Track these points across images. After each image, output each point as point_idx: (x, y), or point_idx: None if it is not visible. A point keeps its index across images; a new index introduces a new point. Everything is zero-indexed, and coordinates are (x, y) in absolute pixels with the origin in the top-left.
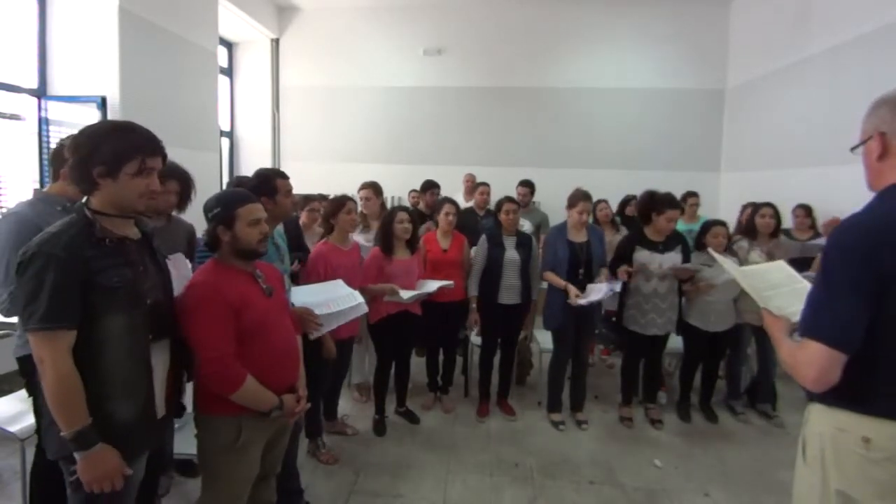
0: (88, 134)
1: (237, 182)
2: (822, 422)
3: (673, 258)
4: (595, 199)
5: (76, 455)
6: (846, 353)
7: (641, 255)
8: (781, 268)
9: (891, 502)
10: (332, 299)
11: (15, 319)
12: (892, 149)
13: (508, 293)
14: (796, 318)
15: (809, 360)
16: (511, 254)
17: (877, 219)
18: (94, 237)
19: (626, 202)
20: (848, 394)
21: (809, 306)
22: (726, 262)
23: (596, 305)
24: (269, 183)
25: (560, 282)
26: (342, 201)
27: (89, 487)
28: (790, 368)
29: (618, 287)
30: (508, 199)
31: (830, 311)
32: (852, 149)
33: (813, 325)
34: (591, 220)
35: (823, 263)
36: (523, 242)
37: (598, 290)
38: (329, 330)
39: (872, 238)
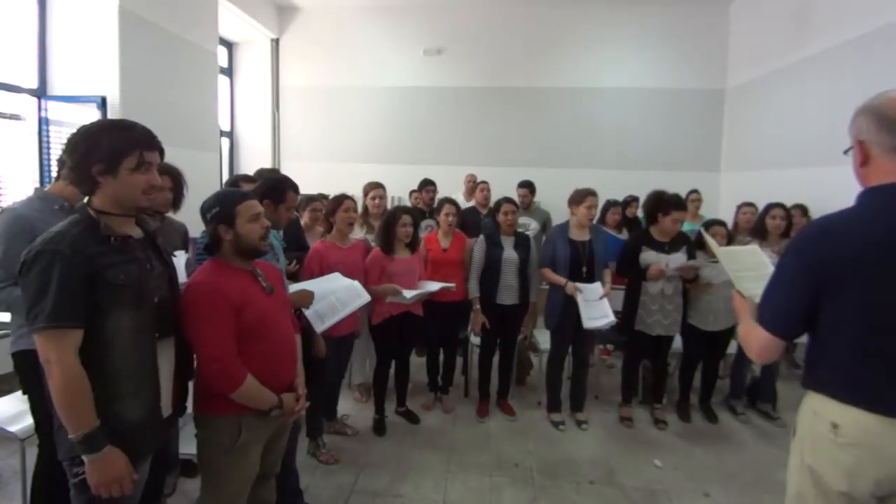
0: (84, 133)
1: (234, 181)
2: (805, 402)
3: (678, 259)
4: (601, 200)
5: (84, 458)
6: (783, 339)
7: (648, 256)
8: (755, 252)
9: (855, 483)
10: (332, 292)
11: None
12: (871, 155)
13: (506, 293)
14: (759, 300)
15: (756, 339)
16: (509, 254)
17: (834, 220)
18: (99, 235)
19: (626, 203)
20: (822, 378)
21: (764, 294)
22: (712, 242)
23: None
24: (281, 191)
25: (558, 278)
26: (341, 200)
27: (97, 491)
28: (741, 341)
29: (612, 322)
30: (507, 200)
31: (772, 301)
32: (845, 151)
33: (760, 312)
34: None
35: (780, 258)
36: (521, 243)
37: (603, 315)
38: (333, 323)
39: (820, 239)
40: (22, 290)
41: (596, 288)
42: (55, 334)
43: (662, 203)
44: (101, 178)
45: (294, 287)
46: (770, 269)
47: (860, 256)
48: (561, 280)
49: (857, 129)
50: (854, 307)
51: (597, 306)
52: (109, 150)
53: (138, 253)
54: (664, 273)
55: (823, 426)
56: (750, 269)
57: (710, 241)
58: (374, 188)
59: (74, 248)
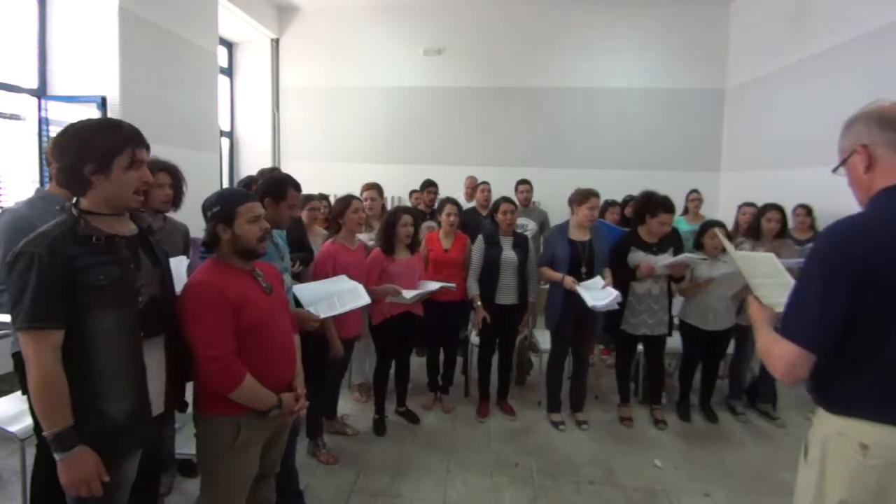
0: (73, 134)
1: (247, 182)
2: (824, 425)
3: (666, 260)
4: (601, 200)
5: (56, 456)
6: (815, 353)
7: (636, 256)
8: (770, 259)
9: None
10: (335, 293)
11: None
12: (877, 157)
13: (505, 293)
14: (779, 308)
15: (781, 355)
16: (508, 254)
17: (860, 223)
18: (80, 235)
19: (625, 203)
20: (846, 399)
21: (789, 304)
22: (729, 246)
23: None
24: (281, 188)
25: (555, 275)
26: (349, 200)
27: (66, 489)
28: (764, 357)
29: (619, 298)
30: (506, 200)
31: (803, 312)
32: (834, 169)
33: (788, 323)
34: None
35: (805, 264)
36: (520, 243)
37: (607, 294)
38: (331, 316)
39: (850, 242)
40: (7, 290)
41: (596, 280)
42: (34, 334)
43: (651, 204)
44: (94, 177)
45: (298, 287)
46: (787, 278)
47: (885, 261)
48: (558, 276)
49: (857, 135)
50: (883, 319)
51: (600, 291)
52: (102, 150)
53: (123, 252)
54: (654, 271)
55: (851, 448)
56: (768, 276)
57: (728, 245)
58: (368, 189)
59: (53, 249)
